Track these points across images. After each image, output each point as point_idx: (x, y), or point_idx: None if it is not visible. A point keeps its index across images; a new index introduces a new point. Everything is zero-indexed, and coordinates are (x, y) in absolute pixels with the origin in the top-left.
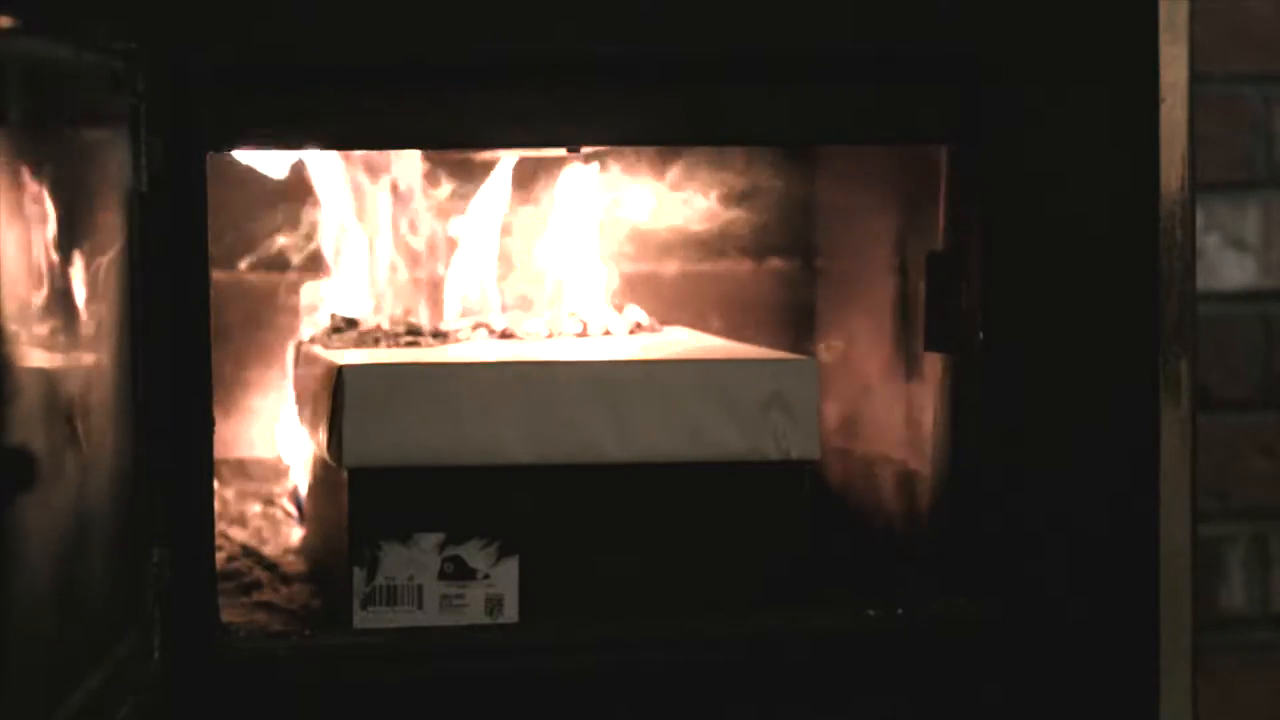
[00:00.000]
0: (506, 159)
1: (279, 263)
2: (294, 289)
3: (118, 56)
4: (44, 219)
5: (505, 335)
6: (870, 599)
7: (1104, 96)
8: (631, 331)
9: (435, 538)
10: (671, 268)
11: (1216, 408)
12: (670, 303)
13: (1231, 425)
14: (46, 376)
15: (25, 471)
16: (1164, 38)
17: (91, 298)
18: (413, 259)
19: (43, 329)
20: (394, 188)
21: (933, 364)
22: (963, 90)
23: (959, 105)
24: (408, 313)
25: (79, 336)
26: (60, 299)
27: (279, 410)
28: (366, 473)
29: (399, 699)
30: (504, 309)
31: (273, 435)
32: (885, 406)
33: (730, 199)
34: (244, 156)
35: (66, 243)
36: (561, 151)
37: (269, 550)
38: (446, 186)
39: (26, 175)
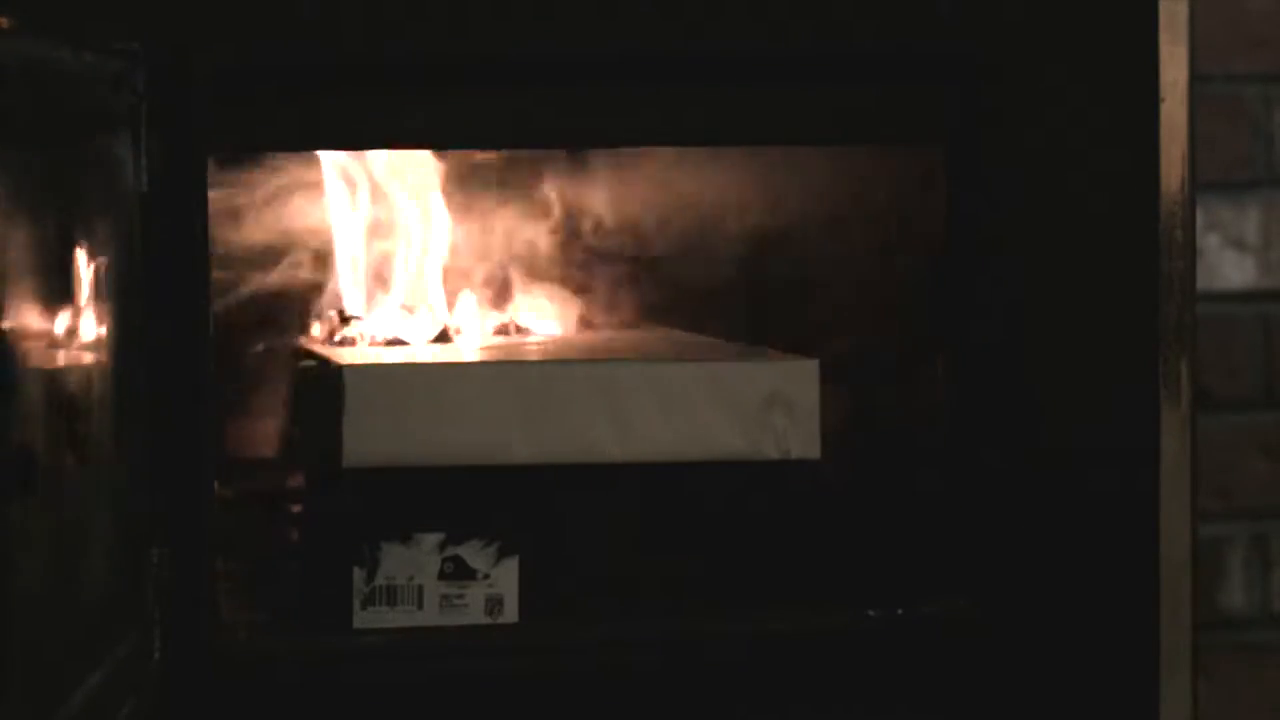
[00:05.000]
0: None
1: (279, 262)
2: (294, 287)
3: (118, 56)
4: (44, 219)
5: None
6: (870, 599)
7: (1104, 96)
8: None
9: (435, 538)
10: (665, 267)
11: (1216, 408)
12: (666, 302)
13: (1231, 425)
14: (46, 376)
15: (25, 471)
16: (1164, 37)
17: (91, 298)
18: (411, 258)
19: (43, 329)
20: (383, 186)
21: (933, 364)
22: (962, 90)
23: (958, 105)
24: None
25: (79, 336)
26: (60, 299)
27: (279, 410)
28: (366, 473)
29: (399, 699)
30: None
31: (273, 435)
32: (885, 406)
33: (728, 198)
34: (245, 156)
35: (67, 243)
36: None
37: (268, 550)
38: (451, 184)
39: (27, 175)
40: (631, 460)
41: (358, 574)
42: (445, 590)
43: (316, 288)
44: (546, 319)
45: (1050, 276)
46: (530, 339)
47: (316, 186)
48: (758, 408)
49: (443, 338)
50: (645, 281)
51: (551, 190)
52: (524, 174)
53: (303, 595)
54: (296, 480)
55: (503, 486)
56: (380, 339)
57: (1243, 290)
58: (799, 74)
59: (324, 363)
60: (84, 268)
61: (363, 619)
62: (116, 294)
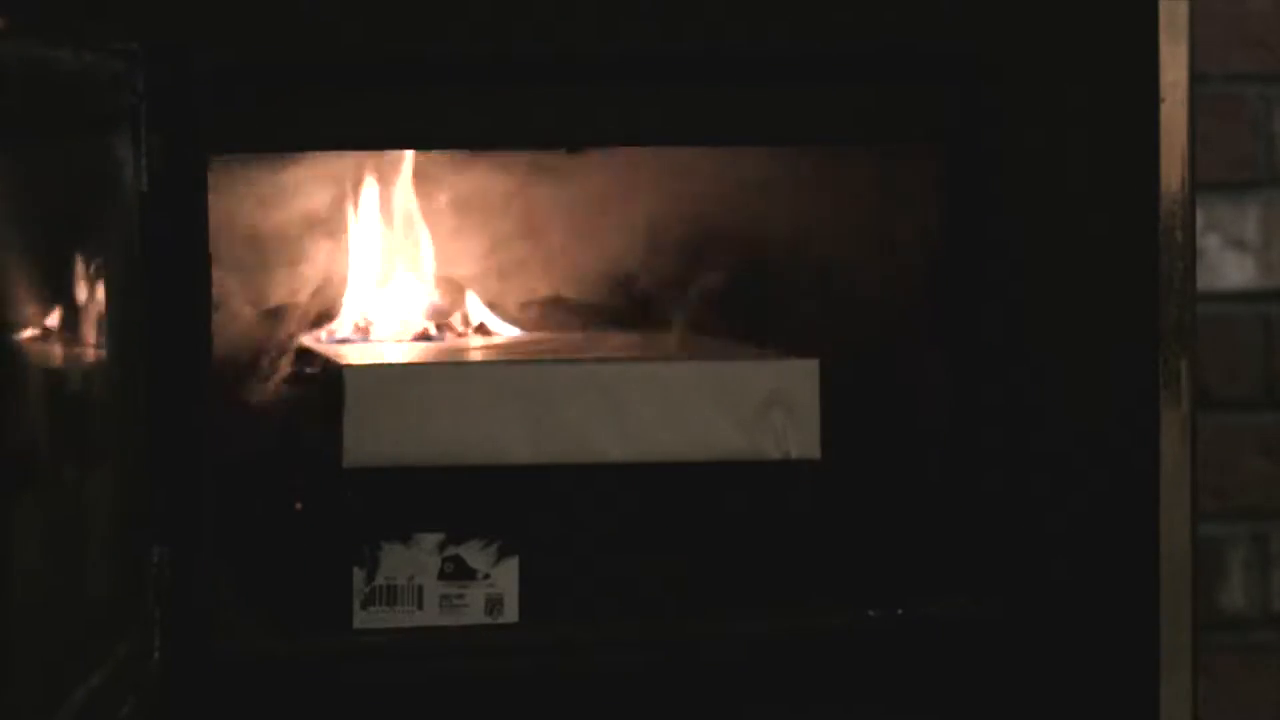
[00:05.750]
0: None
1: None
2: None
3: (118, 56)
4: (44, 219)
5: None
6: (870, 599)
7: (1104, 96)
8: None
9: (435, 538)
10: (661, 269)
11: (1216, 408)
12: (665, 302)
13: (1231, 425)
14: (47, 376)
15: (26, 472)
16: (1164, 37)
17: (91, 297)
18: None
19: (43, 328)
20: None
21: (933, 363)
22: (961, 90)
23: (958, 105)
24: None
25: (79, 336)
26: (60, 299)
27: (280, 409)
28: (366, 473)
29: (399, 699)
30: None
31: (273, 435)
32: (885, 406)
33: (728, 197)
34: (247, 157)
35: (67, 242)
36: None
37: (268, 549)
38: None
39: (26, 175)
40: (631, 460)
41: (358, 574)
42: (445, 590)
43: (318, 286)
44: (543, 318)
45: (1050, 276)
46: (530, 338)
47: (316, 184)
48: (758, 408)
49: (424, 336)
50: (644, 280)
51: (550, 190)
52: (524, 173)
53: (303, 595)
54: (296, 480)
55: (503, 486)
56: (371, 337)
57: (1243, 290)
58: (799, 74)
59: (324, 362)
60: (84, 267)
61: (363, 619)
62: (116, 293)
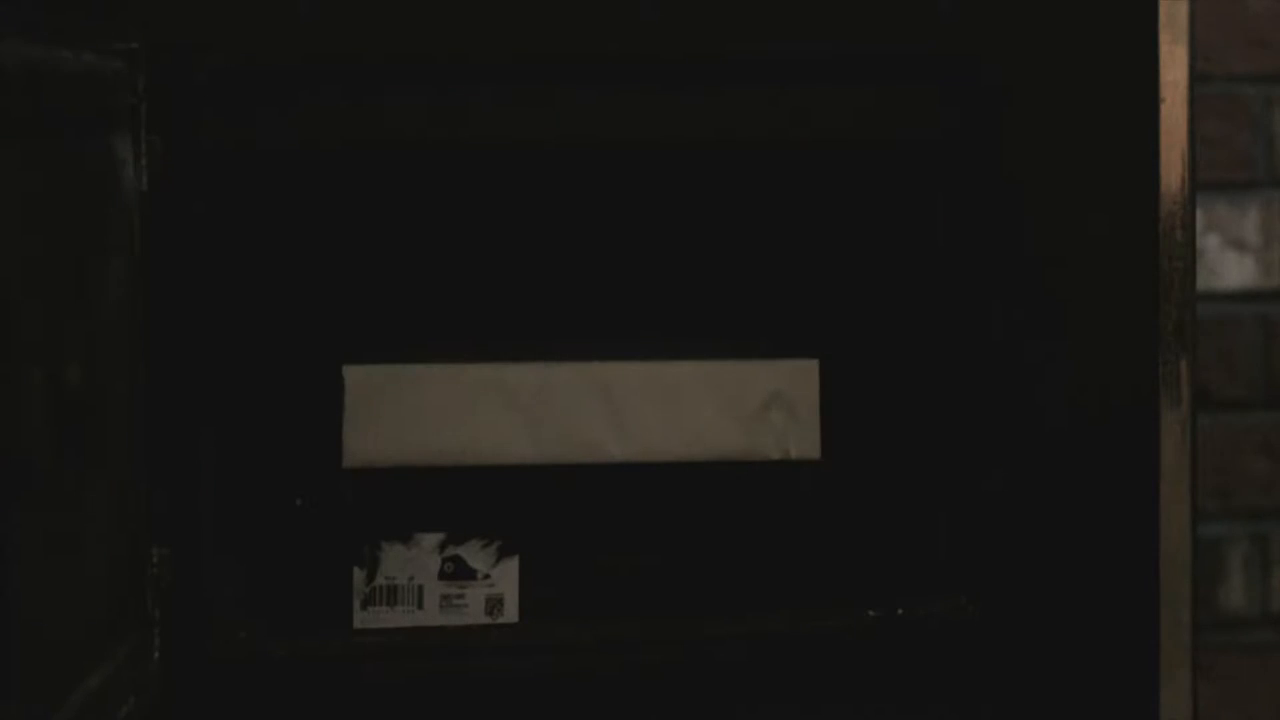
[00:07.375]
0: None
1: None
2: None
3: (118, 56)
4: (44, 219)
5: None
6: (870, 599)
7: (1104, 96)
8: None
9: (435, 538)
10: (664, 266)
11: (1216, 408)
12: (665, 302)
13: (1231, 425)
14: (47, 376)
15: (26, 472)
16: (1164, 37)
17: (91, 297)
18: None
19: (43, 329)
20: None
21: (934, 362)
22: (961, 90)
23: (957, 105)
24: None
25: (79, 336)
26: (60, 299)
27: (280, 408)
28: (366, 473)
29: (399, 699)
30: None
31: (273, 434)
32: (885, 406)
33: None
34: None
35: (67, 243)
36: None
37: (268, 549)
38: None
39: (26, 175)
40: (631, 460)
41: (358, 574)
42: (445, 590)
43: (318, 284)
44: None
45: (1049, 276)
46: (532, 337)
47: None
48: (758, 408)
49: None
50: (644, 281)
51: (547, 190)
52: (524, 175)
53: (303, 595)
54: (297, 480)
55: (503, 486)
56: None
57: (1243, 290)
58: (798, 74)
59: (326, 361)
60: (84, 268)
61: (363, 619)
62: (117, 294)
